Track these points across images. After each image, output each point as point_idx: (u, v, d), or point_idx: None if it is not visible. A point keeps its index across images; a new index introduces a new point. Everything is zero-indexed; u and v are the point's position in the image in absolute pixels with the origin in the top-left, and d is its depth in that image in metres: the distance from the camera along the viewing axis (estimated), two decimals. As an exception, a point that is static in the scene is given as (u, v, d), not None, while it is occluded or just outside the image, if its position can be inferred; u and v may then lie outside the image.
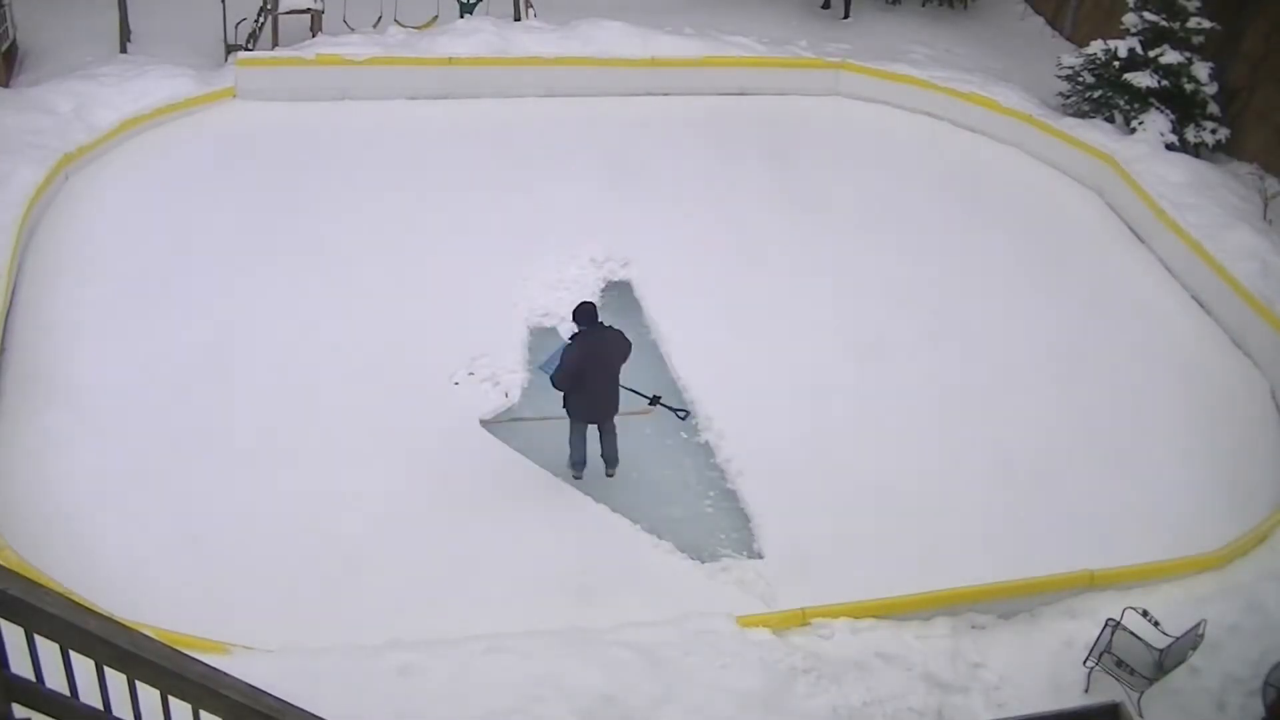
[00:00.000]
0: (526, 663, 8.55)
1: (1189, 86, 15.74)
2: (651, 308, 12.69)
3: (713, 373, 11.85)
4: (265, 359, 11.41)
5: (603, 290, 12.90)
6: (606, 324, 10.19)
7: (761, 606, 9.66)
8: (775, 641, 9.09)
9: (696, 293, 12.89)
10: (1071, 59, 16.92)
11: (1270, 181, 14.89)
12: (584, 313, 10.04)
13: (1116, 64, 16.06)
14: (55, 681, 5.46)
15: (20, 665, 5.38)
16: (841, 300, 13.09)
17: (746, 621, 9.23)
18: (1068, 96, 16.75)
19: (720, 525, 10.44)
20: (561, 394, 10.17)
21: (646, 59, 16.24)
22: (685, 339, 12.28)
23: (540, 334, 12.14)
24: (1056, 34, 19.66)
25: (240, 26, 16.31)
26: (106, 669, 5.24)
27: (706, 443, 11.17)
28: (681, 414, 10.85)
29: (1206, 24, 15.71)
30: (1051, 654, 9.44)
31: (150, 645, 5.20)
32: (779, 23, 18.79)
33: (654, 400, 10.87)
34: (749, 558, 10.15)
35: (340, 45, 15.65)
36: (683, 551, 10.11)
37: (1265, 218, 14.46)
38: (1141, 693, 8.96)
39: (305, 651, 8.46)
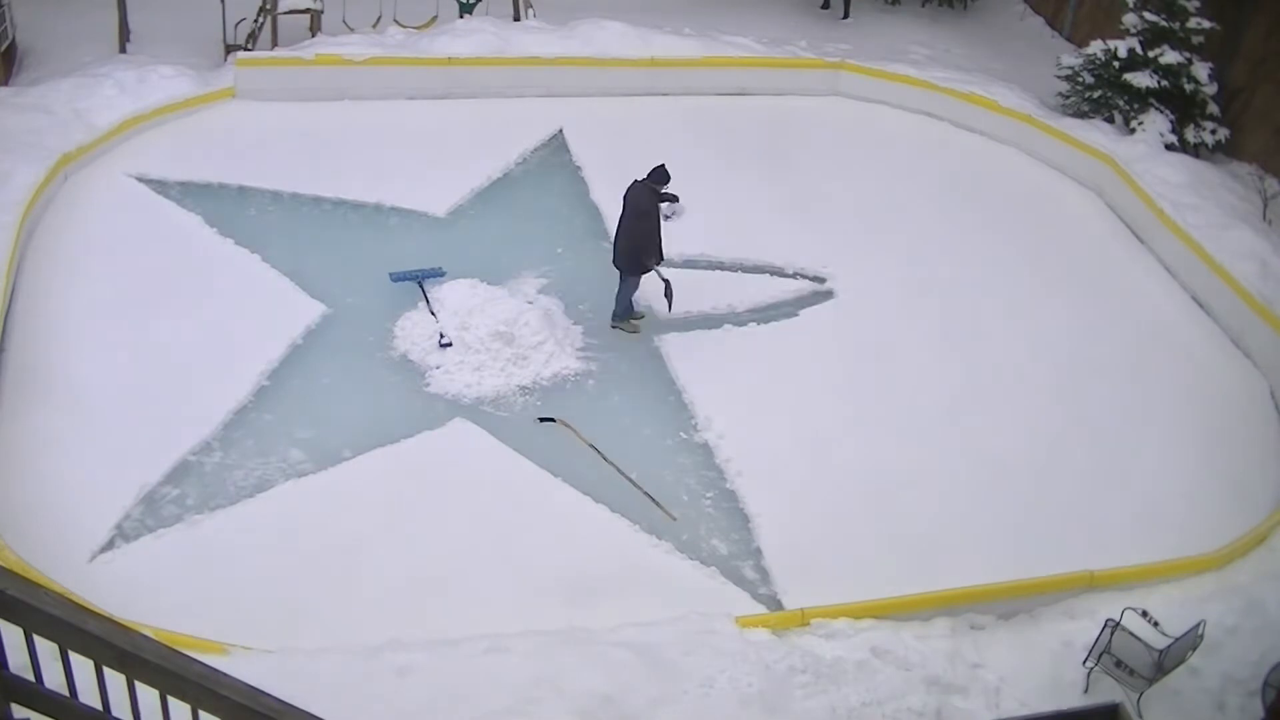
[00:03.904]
0: (526, 663, 8.55)
1: (1189, 87, 15.75)
2: (650, 308, 12.68)
3: (712, 373, 11.86)
4: (263, 359, 11.40)
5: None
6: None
7: (761, 606, 9.66)
8: (775, 641, 9.08)
9: (695, 293, 12.89)
10: (1071, 59, 16.92)
11: (1270, 181, 14.90)
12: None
13: (1116, 64, 16.06)
14: (54, 682, 5.46)
15: (20, 665, 5.38)
16: (841, 300, 13.10)
17: (746, 621, 9.23)
18: (1067, 97, 16.75)
19: (720, 525, 10.43)
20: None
21: (646, 59, 16.24)
22: (684, 339, 12.29)
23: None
24: (1056, 34, 19.68)
25: (240, 26, 16.31)
26: (105, 669, 5.24)
27: (706, 443, 11.17)
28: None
29: (1206, 24, 15.72)
30: (1051, 654, 9.44)
31: (149, 646, 5.20)
32: (778, 23, 18.80)
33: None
34: (749, 558, 10.15)
35: (340, 45, 15.66)
36: (682, 551, 10.11)
37: (1265, 218, 14.47)
38: (1141, 693, 8.96)
39: (305, 652, 8.46)
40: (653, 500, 10.49)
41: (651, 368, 12.00)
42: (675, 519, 10.37)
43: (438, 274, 12.53)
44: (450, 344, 11.59)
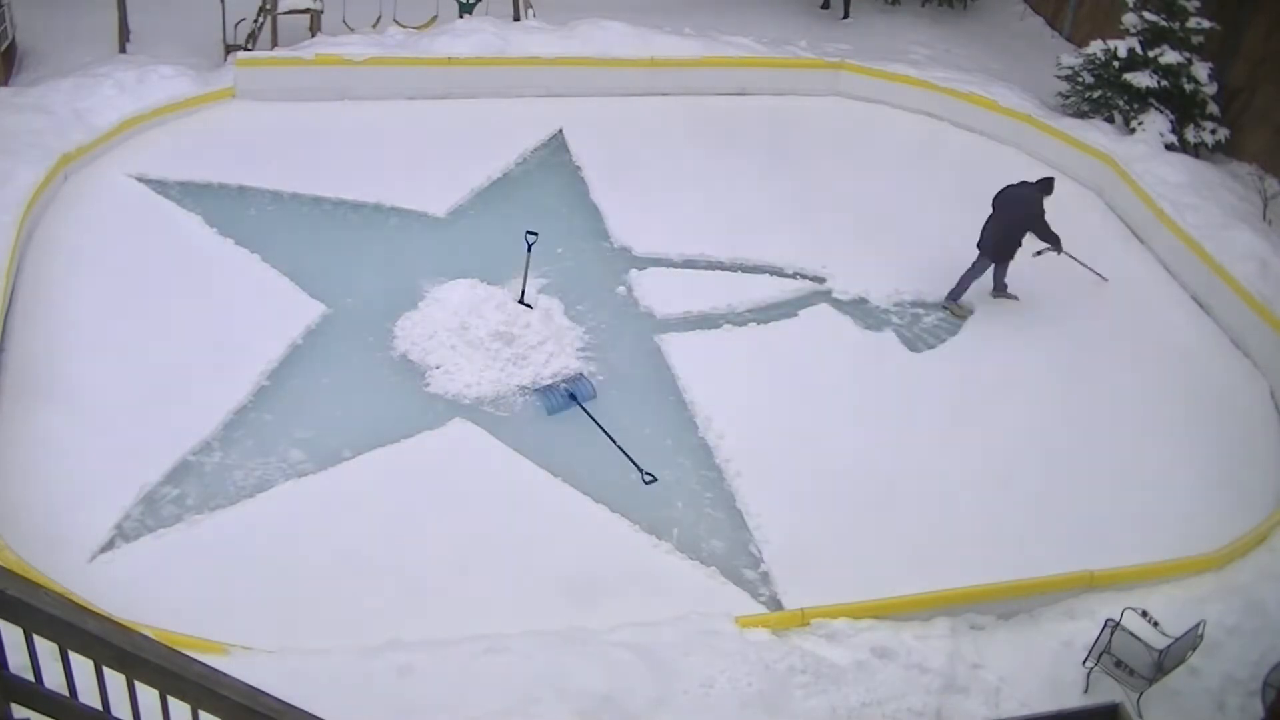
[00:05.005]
0: (526, 663, 8.56)
1: (1189, 86, 15.75)
2: (650, 308, 12.70)
3: (712, 373, 11.86)
4: (263, 359, 11.40)
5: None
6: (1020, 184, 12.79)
7: (761, 607, 9.67)
8: (774, 642, 9.09)
9: (695, 293, 12.90)
10: (1071, 59, 16.92)
11: (1270, 181, 14.90)
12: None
13: (1116, 64, 16.06)
14: (54, 682, 5.46)
15: (20, 665, 5.38)
16: (840, 300, 13.11)
17: (746, 621, 9.24)
18: (1067, 96, 16.75)
19: (720, 525, 10.44)
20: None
21: (646, 59, 16.24)
22: (684, 339, 12.29)
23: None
24: (1056, 34, 19.67)
25: (239, 26, 16.31)
26: (105, 669, 5.25)
27: (706, 443, 11.17)
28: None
29: (1206, 24, 15.71)
30: (1051, 654, 9.44)
31: (149, 646, 5.21)
32: (779, 23, 18.80)
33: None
34: (749, 558, 10.16)
35: (340, 45, 15.65)
36: (682, 551, 10.11)
37: (1265, 218, 14.47)
38: (1141, 693, 8.96)
39: (305, 652, 8.46)
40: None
41: (651, 368, 12.00)
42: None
43: (585, 392, 11.51)
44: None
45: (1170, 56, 15.67)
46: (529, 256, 12.05)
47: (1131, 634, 9.13)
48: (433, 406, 11.22)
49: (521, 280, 12.17)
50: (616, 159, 14.90)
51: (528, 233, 12.06)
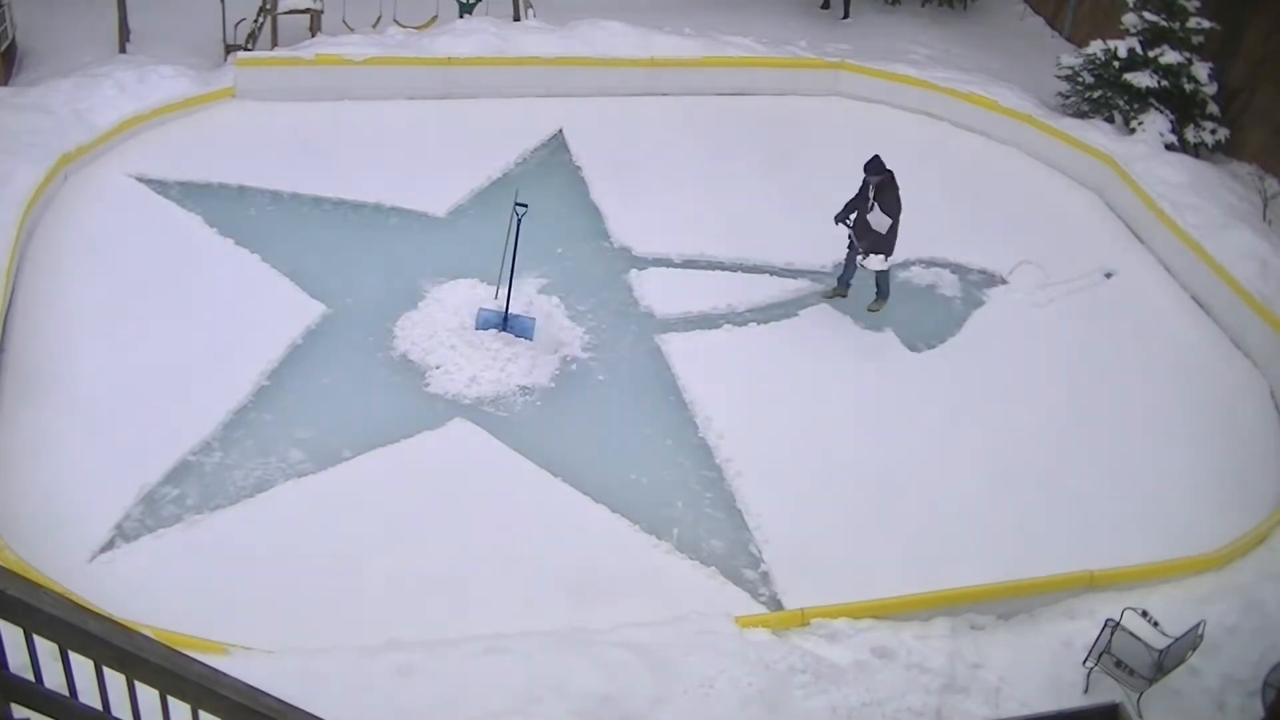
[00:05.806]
0: (526, 663, 8.56)
1: (1189, 86, 15.75)
2: (650, 308, 12.70)
3: (712, 373, 11.87)
4: (263, 359, 11.40)
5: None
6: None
7: (761, 607, 9.67)
8: (774, 642, 9.09)
9: (695, 293, 12.90)
10: (1071, 59, 16.92)
11: (1270, 181, 14.90)
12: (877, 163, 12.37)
13: (1116, 64, 16.06)
14: (54, 682, 5.46)
15: (20, 665, 5.38)
16: (840, 300, 13.10)
17: (746, 622, 9.24)
18: (1067, 96, 16.75)
19: (720, 525, 10.44)
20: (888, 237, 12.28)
21: (646, 59, 16.24)
22: (684, 339, 12.29)
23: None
24: (1056, 34, 19.67)
25: (239, 26, 16.31)
26: (105, 669, 5.25)
27: (706, 443, 11.17)
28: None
29: (1206, 24, 15.71)
30: (1051, 655, 9.45)
31: (149, 646, 5.21)
32: (779, 23, 18.80)
33: None
34: (749, 558, 10.15)
35: (339, 45, 15.65)
36: (682, 551, 10.11)
37: (1265, 218, 14.47)
38: (1141, 693, 8.96)
39: (304, 652, 8.47)
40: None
41: (651, 368, 12.00)
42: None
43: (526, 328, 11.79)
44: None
45: (1170, 56, 15.66)
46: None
47: (1131, 634, 9.13)
48: (433, 406, 11.23)
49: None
50: (616, 159, 14.90)
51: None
